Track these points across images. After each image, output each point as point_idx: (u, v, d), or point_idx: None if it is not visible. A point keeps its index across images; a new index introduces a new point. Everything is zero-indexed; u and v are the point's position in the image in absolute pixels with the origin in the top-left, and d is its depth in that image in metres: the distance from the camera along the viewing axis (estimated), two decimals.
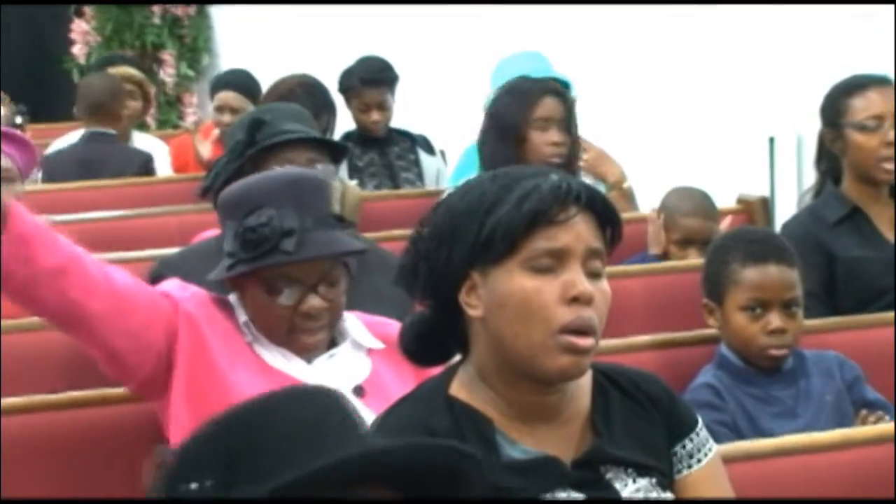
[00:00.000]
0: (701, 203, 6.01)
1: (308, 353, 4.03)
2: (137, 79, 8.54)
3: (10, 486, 4.09)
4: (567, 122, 5.86)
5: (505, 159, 5.20)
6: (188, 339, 3.97)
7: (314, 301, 3.96)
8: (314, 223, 3.97)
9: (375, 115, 8.17)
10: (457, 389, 3.07)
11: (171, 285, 4.12)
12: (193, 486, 2.03)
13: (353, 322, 4.11)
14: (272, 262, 3.94)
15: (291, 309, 3.97)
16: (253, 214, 3.94)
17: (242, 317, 4.05)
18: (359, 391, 3.93)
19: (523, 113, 5.80)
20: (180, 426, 3.90)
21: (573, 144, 5.92)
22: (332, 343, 4.08)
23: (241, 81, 9.03)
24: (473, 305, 3.01)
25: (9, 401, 4.31)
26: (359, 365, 4.04)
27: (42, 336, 4.76)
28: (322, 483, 1.99)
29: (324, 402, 2.10)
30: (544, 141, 5.75)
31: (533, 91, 5.91)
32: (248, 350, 4.01)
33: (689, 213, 5.95)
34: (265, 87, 7.89)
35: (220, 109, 8.80)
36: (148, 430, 4.10)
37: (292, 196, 4.00)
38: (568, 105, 5.92)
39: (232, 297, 4.08)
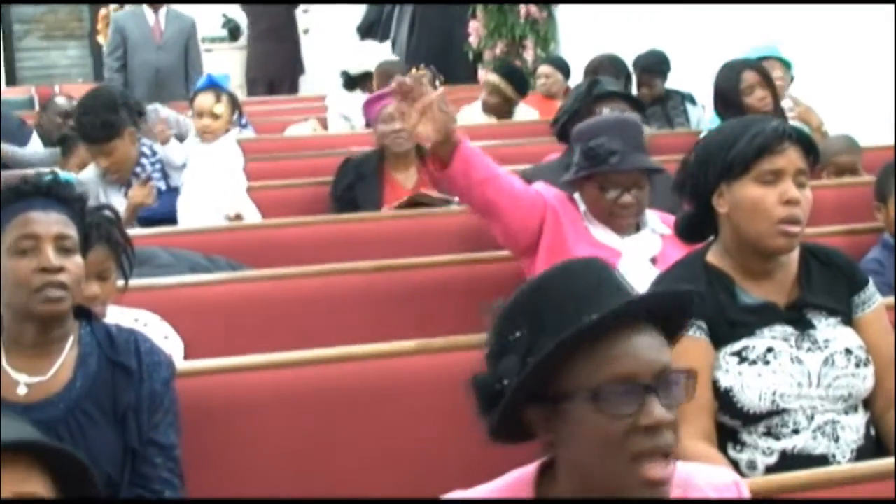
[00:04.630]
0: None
1: (622, 233, 4.02)
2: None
3: (434, 313, 4.23)
4: (766, 82, 5.73)
5: (731, 115, 5.17)
6: (551, 222, 4.01)
7: (627, 198, 3.97)
8: (631, 148, 3.96)
9: (644, 90, 8.13)
10: (711, 257, 3.08)
11: (540, 186, 4.14)
12: (516, 334, 1.96)
13: (652, 215, 4.10)
14: (603, 170, 3.95)
15: (613, 201, 3.97)
16: (593, 139, 3.96)
17: (582, 207, 4.06)
18: (653, 261, 3.93)
19: (733, 85, 5.69)
20: None
21: (776, 96, 5.78)
22: (637, 227, 4.06)
23: (560, 62, 9.25)
24: (722, 205, 3.02)
25: (438, 258, 4.45)
26: (654, 243, 4.01)
27: (459, 217, 4.86)
28: (607, 322, 1.90)
29: (601, 269, 2.01)
30: (755, 99, 5.64)
31: (735, 69, 5.78)
32: (585, 230, 4.02)
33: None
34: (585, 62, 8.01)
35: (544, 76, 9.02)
36: (519, 279, 4.13)
37: (619, 129, 4.01)
38: (762, 71, 5.79)
39: (576, 195, 4.09)
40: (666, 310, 2.01)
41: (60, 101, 7.53)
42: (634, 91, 8.09)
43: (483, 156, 3.86)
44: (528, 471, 2.04)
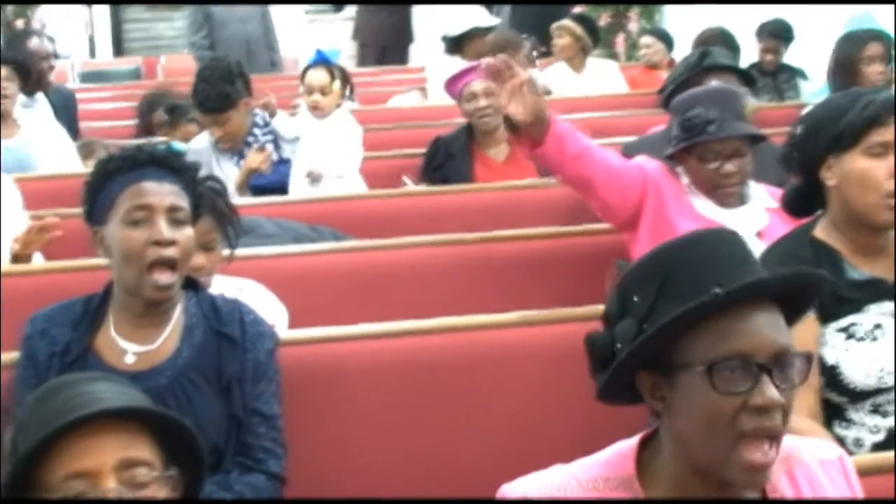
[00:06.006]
0: None
1: (727, 205, 3.98)
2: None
3: (535, 285, 4.20)
4: (886, 57, 5.69)
5: (845, 85, 5.15)
6: (652, 196, 3.99)
7: (728, 167, 3.93)
8: (728, 116, 3.92)
9: (769, 57, 8.13)
10: (818, 232, 3.04)
11: (641, 160, 4.12)
12: (636, 298, 1.95)
13: (757, 188, 4.05)
14: (701, 140, 3.91)
15: (715, 172, 3.93)
16: (689, 111, 3.93)
17: (685, 180, 4.03)
18: (759, 235, 3.89)
19: (856, 53, 5.68)
20: (642, 251, 3.94)
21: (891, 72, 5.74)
22: (742, 201, 4.02)
23: (663, 33, 9.33)
24: (830, 178, 2.98)
25: (540, 230, 4.44)
26: (760, 217, 3.96)
27: (553, 191, 4.80)
28: (733, 297, 1.88)
29: (730, 240, 1.98)
30: (872, 71, 5.61)
31: (862, 37, 5.77)
32: (688, 203, 3.98)
33: None
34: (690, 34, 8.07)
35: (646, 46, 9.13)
36: (618, 252, 4.12)
37: (715, 99, 3.98)
38: (886, 45, 5.73)
39: (678, 168, 4.06)
40: (793, 291, 2.00)
41: (34, 42, 7.00)
42: (751, 60, 8.12)
43: (575, 132, 3.86)
44: (630, 444, 2.03)
